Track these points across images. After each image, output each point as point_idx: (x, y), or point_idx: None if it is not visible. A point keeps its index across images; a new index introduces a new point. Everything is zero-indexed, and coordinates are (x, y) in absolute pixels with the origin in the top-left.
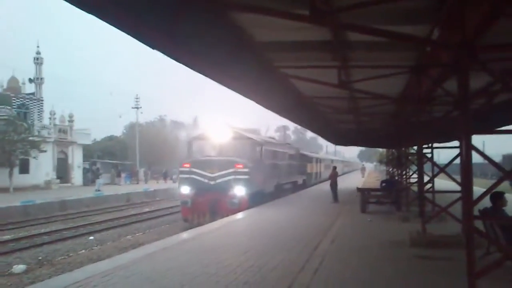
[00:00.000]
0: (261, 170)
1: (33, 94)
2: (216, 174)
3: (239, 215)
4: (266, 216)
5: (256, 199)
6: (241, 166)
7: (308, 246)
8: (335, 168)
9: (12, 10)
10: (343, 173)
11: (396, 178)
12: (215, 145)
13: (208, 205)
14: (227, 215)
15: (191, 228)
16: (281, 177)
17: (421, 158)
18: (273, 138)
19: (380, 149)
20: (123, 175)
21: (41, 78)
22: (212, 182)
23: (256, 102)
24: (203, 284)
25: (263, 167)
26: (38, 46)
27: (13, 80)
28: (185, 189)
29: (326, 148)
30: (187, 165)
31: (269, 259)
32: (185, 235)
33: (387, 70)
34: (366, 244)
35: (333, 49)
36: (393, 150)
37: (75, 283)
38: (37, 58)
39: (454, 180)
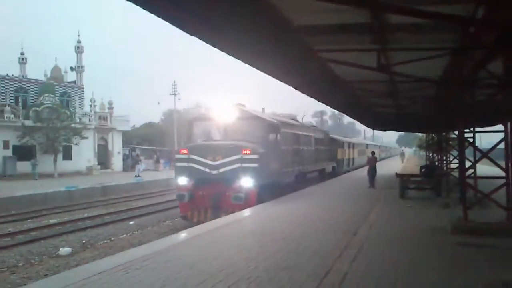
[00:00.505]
0: (276, 156)
1: (74, 82)
2: (219, 162)
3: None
4: (301, 203)
5: (269, 191)
6: (248, 151)
7: (346, 232)
8: (373, 153)
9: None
10: (380, 159)
11: (436, 163)
12: (220, 127)
13: (210, 200)
14: (233, 212)
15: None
16: (304, 164)
17: (463, 143)
18: (295, 120)
19: (420, 134)
20: (162, 161)
21: (82, 66)
22: (214, 172)
23: (294, 87)
24: (242, 269)
25: (279, 153)
26: (78, 35)
27: (56, 69)
28: (182, 180)
29: (364, 133)
30: (185, 152)
31: (307, 245)
32: (221, 220)
33: (428, 53)
34: (406, 231)
35: (372, 31)
36: (433, 134)
37: (117, 267)
38: (78, 47)
39: (497, 165)
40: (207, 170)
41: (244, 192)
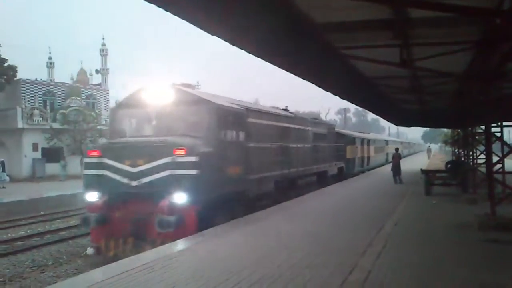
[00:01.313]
0: (236, 157)
1: (99, 84)
2: (141, 169)
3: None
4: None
5: (223, 209)
6: (183, 151)
7: (371, 229)
8: (397, 150)
9: (80, 5)
10: (402, 157)
11: (462, 159)
12: (150, 117)
13: (129, 225)
14: (162, 242)
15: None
16: (293, 167)
17: (490, 138)
18: (287, 110)
19: (445, 130)
20: None
21: (107, 69)
22: (134, 183)
23: (316, 85)
24: (265, 267)
25: (241, 152)
26: (103, 38)
27: (81, 72)
28: (91, 196)
29: (389, 130)
30: (95, 154)
31: (331, 242)
32: (246, 218)
33: (451, 47)
34: (431, 227)
35: (394, 27)
36: (459, 130)
37: (144, 265)
38: (103, 50)
39: None
40: (125, 180)
41: (175, 214)
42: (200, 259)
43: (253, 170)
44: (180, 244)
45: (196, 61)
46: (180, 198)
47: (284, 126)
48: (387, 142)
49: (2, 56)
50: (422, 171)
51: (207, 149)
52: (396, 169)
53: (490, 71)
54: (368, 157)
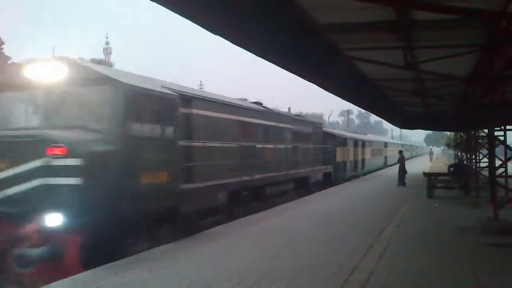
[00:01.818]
0: (158, 160)
1: None
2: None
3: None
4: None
5: (138, 233)
6: (59, 151)
7: (372, 231)
8: (401, 152)
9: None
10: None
11: (465, 162)
12: (33, 102)
13: None
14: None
15: None
16: (260, 172)
17: (493, 141)
18: (260, 104)
19: (448, 133)
20: None
21: (112, 65)
22: None
23: (319, 86)
24: (267, 268)
25: (167, 153)
26: (107, 37)
27: None
28: None
29: (392, 132)
30: None
31: (334, 243)
32: (244, 219)
33: (456, 50)
34: (433, 230)
35: (398, 29)
36: (462, 133)
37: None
38: (106, 49)
39: None
40: None
41: (46, 243)
42: None
43: (191, 177)
44: None
45: (201, 60)
46: (53, 220)
47: (248, 122)
48: (386, 144)
49: (6, 54)
50: (425, 174)
51: (102, 148)
52: (401, 171)
53: (494, 75)
54: (363, 160)
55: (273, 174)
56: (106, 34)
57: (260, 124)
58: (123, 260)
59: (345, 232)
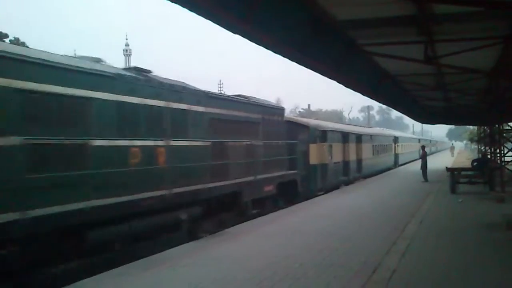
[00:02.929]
0: None
1: None
2: None
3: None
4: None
5: None
6: None
7: (395, 227)
8: (424, 147)
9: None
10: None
11: (489, 156)
12: None
13: None
14: None
15: None
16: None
17: None
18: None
19: (471, 127)
20: None
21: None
22: None
23: (339, 83)
24: (287, 267)
25: None
26: (126, 39)
27: None
28: None
29: (413, 127)
30: None
31: (356, 240)
32: (264, 218)
33: (478, 42)
34: (457, 226)
35: (418, 23)
36: (485, 127)
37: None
38: (126, 50)
39: None
40: None
41: None
42: None
43: None
44: None
45: (220, 60)
46: None
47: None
48: (396, 139)
49: None
50: (448, 169)
51: None
52: (423, 166)
53: None
54: (360, 161)
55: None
56: (126, 35)
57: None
58: (145, 259)
59: (369, 227)
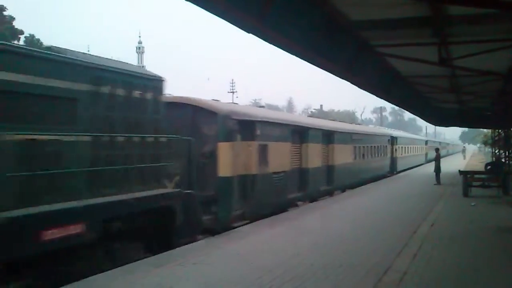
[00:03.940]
0: None
1: None
2: None
3: None
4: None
5: None
6: None
7: (406, 229)
8: (438, 150)
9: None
10: (427, 160)
11: (503, 160)
12: None
13: None
14: None
15: None
16: None
17: None
18: None
19: (485, 130)
20: None
21: (143, 66)
22: None
23: (352, 83)
24: (298, 266)
25: None
26: (139, 36)
27: None
28: None
29: (426, 129)
30: None
31: (366, 242)
32: (276, 217)
33: (493, 44)
34: (469, 230)
35: (432, 25)
36: (500, 130)
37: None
38: (139, 48)
39: None
40: None
41: None
42: None
43: None
44: None
45: (233, 59)
46: None
47: None
48: (393, 139)
49: None
50: (460, 172)
51: None
52: (437, 169)
53: None
54: (330, 169)
55: None
56: (139, 33)
57: None
58: (156, 256)
59: (380, 229)
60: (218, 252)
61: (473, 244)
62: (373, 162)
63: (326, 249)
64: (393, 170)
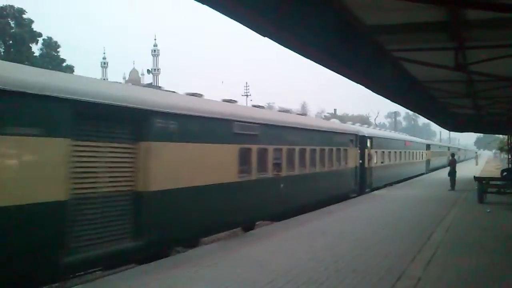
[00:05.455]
0: None
1: (151, 84)
2: None
3: None
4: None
5: None
6: None
7: (421, 236)
8: (453, 155)
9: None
10: (432, 167)
11: None
12: None
13: None
14: None
15: None
16: None
17: None
18: None
19: (501, 136)
20: None
21: (158, 69)
22: None
23: (367, 87)
24: (311, 270)
25: None
26: (155, 39)
27: (133, 71)
28: None
29: (440, 135)
30: None
31: (380, 247)
32: (293, 219)
33: (510, 49)
34: (484, 236)
35: (449, 29)
36: None
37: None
38: (154, 51)
39: None
40: None
41: None
42: None
43: None
44: None
45: (248, 63)
46: None
47: None
48: (363, 141)
49: (62, 57)
50: (476, 178)
51: None
52: (452, 174)
53: None
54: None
55: None
56: (155, 35)
57: None
58: (171, 258)
59: (394, 235)
60: (233, 255)
61: (487, 251)
62: (305, 179)
63: (342, 253)
64: (363, 187)
